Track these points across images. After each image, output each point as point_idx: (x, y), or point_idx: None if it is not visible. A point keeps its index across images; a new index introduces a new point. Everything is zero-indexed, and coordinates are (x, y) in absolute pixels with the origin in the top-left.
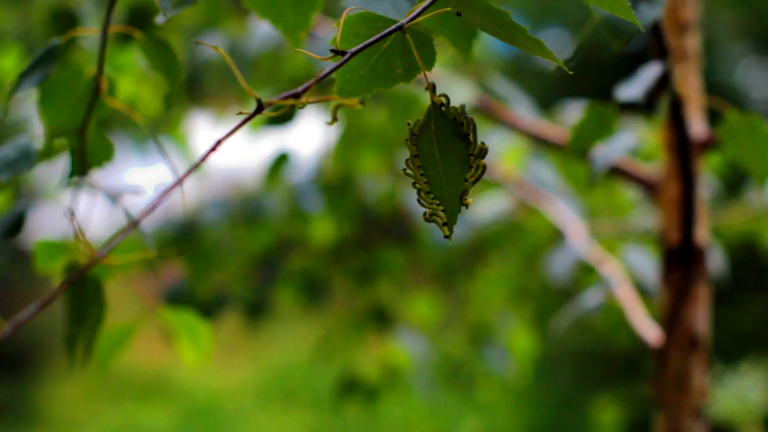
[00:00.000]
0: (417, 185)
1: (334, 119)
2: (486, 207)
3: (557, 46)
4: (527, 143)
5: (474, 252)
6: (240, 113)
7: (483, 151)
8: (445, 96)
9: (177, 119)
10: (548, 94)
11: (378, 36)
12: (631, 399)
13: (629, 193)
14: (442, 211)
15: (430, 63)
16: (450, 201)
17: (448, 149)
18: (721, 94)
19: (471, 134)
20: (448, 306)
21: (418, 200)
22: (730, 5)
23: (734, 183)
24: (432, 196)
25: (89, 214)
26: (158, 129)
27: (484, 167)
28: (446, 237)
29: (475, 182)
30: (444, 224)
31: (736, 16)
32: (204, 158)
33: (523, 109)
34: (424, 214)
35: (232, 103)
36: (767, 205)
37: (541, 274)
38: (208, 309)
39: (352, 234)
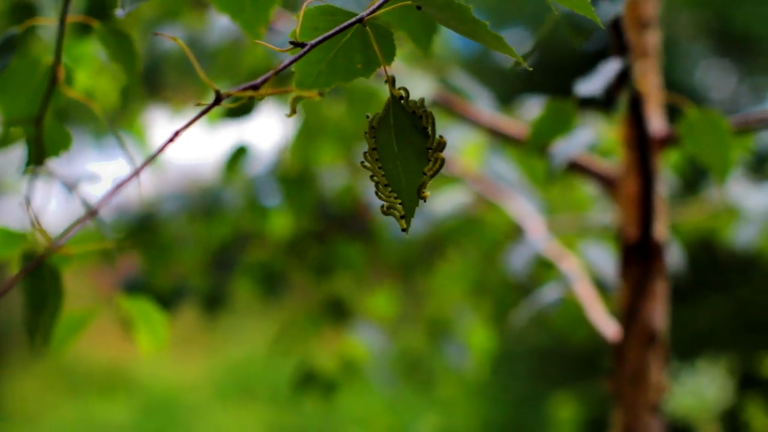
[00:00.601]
0: (375, 178)
1: (293, 111)
2: (445, 201)
3: (517, 45)
4: (486, 138)
5: (432, 247)
6: (198, 104)
7: (441, 145)
8: (405, 89)
9: (135, 113)
10: (509, 92)
11: (338, 28)
12: (589, 396)
13: (588, 189)
14: (400, 204)
15: (389, 57)
16: (407, 194)
17: (407, 142)
18: (681, 93)
19: (429, 127)
20: (407, 300)
21: (376, 193)
22: (691, 5)
23: (692, 180)
24: (390, 189)
25: (46, 203)
26: (116, 122)
27: (443, 161)
28: (403, 230)
29: (433, 175)
30: (401, 217)
31: (697, 17)
32: (162, 149)
33: (482, 104)
34: (382, 206)
35: (191, 97)
36: (726, 202)
37: (499, 270)
38: (166, 301)
39: (310, 227)
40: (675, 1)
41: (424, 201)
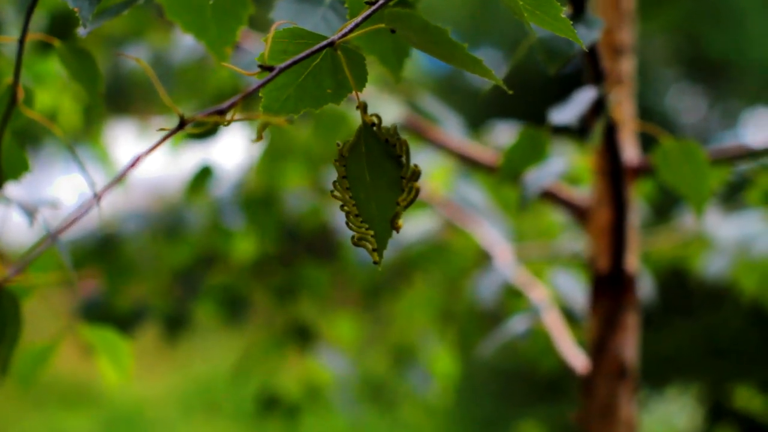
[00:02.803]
0: (345, 208)
1: (260, 137)
2: (412, 227)
3: (490, 67)
4: (455, 163)
5: (398, 272)
6: (162, 129)
7: (416, 174)
8: (377, 116)
9: (98, 130)
10: (478, 114)
11: (308, 52)
12: (554, 420)
13: (557, 216)
14: (372, 236)
15: (361, 82)
16: (380, 225)
17: (379, 171)
18: (652, 119)
19: (404, 156)
20: (371, 325)
21: (347, 223)
22: (663, 30)
23: (663, 207)
24: (361, 219)
25: (4, 227)
26: (79, 139)
27: (418, 190)
28: (375, 263)
29: (407, 206)
30: (373, 250)
31: (669, 42)
32: (123, 174)
33: (452, 129)
34: (353, 237)
35: (156, 114)
36: (697, 230)
37: (465, 296)
38: (126, 322)
39: (275, 250)
40: (647, 25)
41: (397, 232)
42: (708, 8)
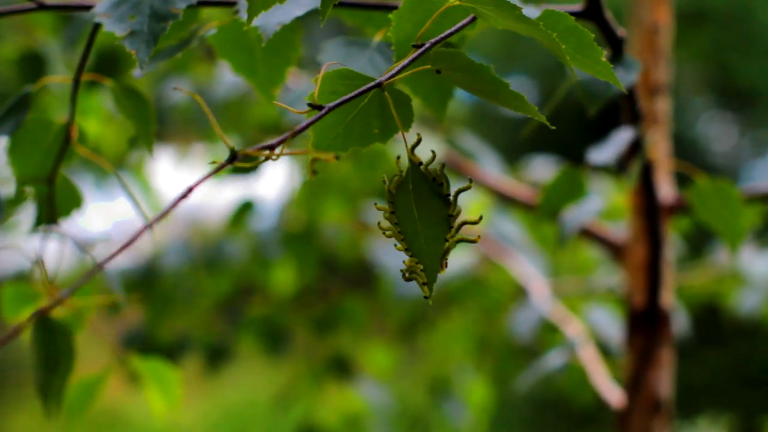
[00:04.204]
0: (397, 246)
1: (311, 174)
2: (450, 261)
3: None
4: (491, 198)
5: (435, 305)
6: (213, 162)
7: (459, 213)
8: (433, 152)
9: (140, 159)
10: (508, 143)
11: (356, 92)
12: None
13: (593, 252)
14: (422, 270)
15: (407, 122)
16: (429, 260)
17: (427, 209)
18: (683, 147)
19: (452, 195)
20: (408, 357)
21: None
22: (693, 58)
23: (698, 243)
24: (410, 253)
25: (59, 262)
26: (121, 167)
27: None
28: (426, 297)
29: (456, 242)
30: (423, 284)
31: (700, 70)
32: (174, 205)
33: (490, 166)
34: (403, 273)
35: (195, 141)
36: (731, 266)
37: (501, 330)
38: (168, 353)
39: (314, 283)
40: (677, 54)
41: (443, 271)
42: (737, 37)
